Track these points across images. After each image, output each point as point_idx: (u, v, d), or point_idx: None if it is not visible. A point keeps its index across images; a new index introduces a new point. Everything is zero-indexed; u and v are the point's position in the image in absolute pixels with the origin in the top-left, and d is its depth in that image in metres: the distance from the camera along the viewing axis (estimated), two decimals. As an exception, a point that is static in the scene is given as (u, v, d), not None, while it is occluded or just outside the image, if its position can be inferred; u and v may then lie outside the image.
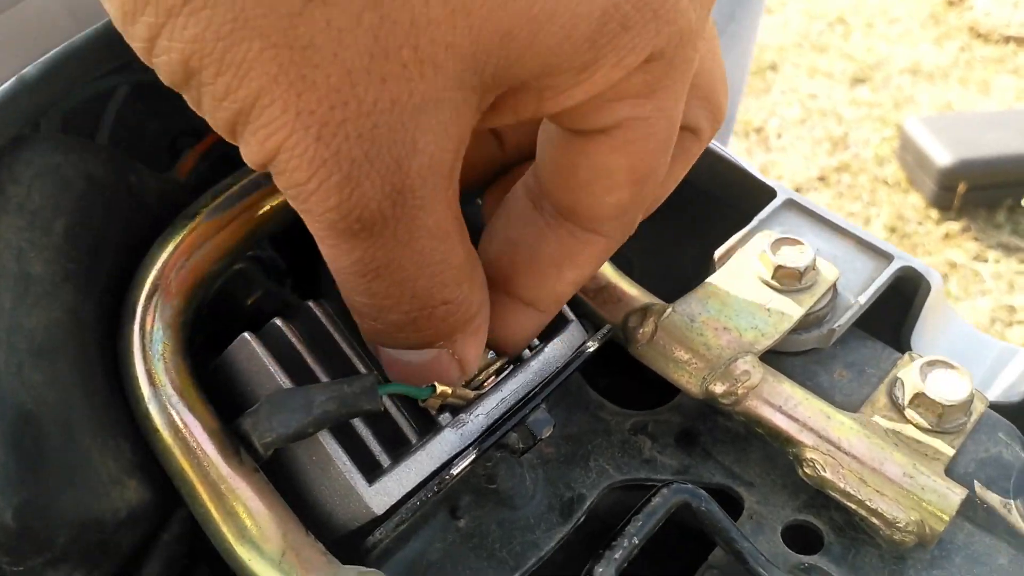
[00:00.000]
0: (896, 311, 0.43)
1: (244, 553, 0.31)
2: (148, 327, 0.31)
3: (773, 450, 0.38)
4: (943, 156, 2.20)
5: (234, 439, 0.32)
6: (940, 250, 2.19)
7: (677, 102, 0.28)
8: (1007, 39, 2.74)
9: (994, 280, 2.10)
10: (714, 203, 0.45)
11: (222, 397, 0.33)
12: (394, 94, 0.23)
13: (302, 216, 0.26)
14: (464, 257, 0.28)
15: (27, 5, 0.32)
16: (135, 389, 0.31)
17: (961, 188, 2.19)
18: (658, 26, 0.25)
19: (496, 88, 0.25)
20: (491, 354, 0.35)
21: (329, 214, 0.25)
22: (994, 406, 0.42)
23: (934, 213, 2.26)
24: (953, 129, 2.28)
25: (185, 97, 0.24)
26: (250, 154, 0.24)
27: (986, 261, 2.15)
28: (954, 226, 2.22)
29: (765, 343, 0.38)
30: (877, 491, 0.35)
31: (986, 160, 2.19)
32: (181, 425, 0.31)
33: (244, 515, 0.31)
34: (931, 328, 0.45)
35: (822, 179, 2.43)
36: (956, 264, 2.15)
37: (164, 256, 0.31)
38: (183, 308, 0.32)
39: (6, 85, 0.30)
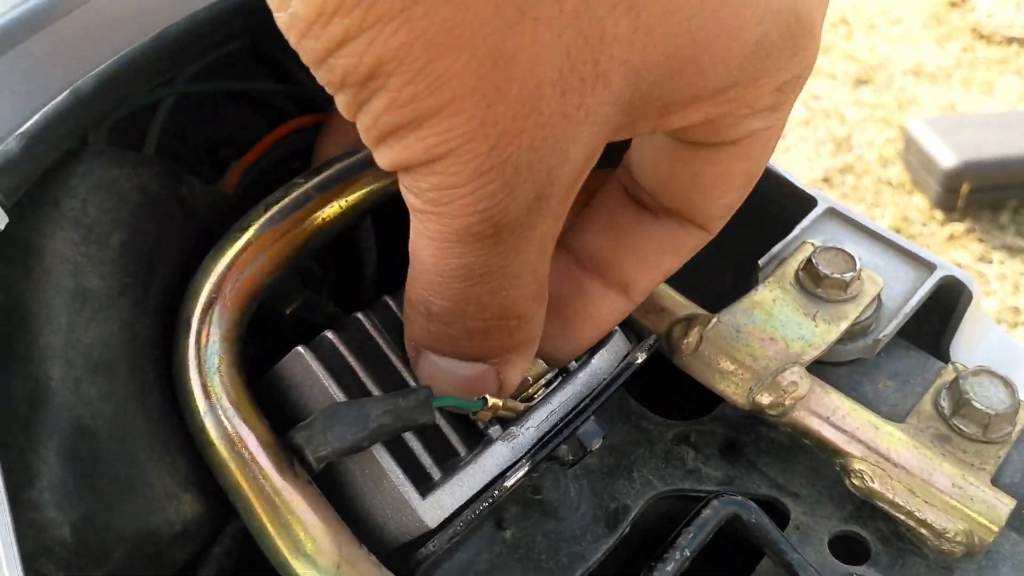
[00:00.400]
0: (936, 320, 0.43)
1: (299, 567, 0.31)
2: (203, 340, 0.31)
3: (817, 460, 0.38)
4: (947, 157, 2.21)
5: (288, 452, 0.32)
6: (945, 252, 2.19)
7: (792, 109, 0.29)
8: (1010, 40, 2.75)
9: (999, 281, 2.10)
10: (754, 212, 0.45)
11: (274, 409, 0.33)
12: (567, 107, 0.24)
13: (422, 216, 0.26)
14: (546, 276, 0.29)
15: (92, 6, 0.32)
16: (191, 403, 0.31)
17: (965, 189, 2.20)
18: (798, 55, 0.26)
19: (641, 105, 0.25)
20: (540, 363, 0.35)
21: (470, 218, 0.25)
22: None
23: (938, 214, 2.27)
24: (957, 130, 2.28)
25: (338, 94, 0.24)
26: (398, 155, 0.24)
27: (991, 262, 2.15)
28: (959, 227, 2.23)
29: (812, 353, 0.38)
30: (926, 502, 0.35)
31: (990, 161, 2.19)
32: (236, 438, 0.31)
33: (299, 528, 0.31)
34: (969, 337, 0.45)
35: (826, 180, 2.44)
36: (961, 265, 2.15)
37: (219, 269, 0.31)
38: (238, 321, 0.32)
39: (61, 98, 0.30)
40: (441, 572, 0.35)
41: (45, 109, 0.29)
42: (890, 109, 2.60)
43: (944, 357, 0.44)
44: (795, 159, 2.45)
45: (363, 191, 0.34)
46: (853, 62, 2.76)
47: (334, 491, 0.33)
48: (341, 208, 0.33)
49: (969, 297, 0.42)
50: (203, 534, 0.32)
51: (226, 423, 0.31)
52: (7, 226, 0.29)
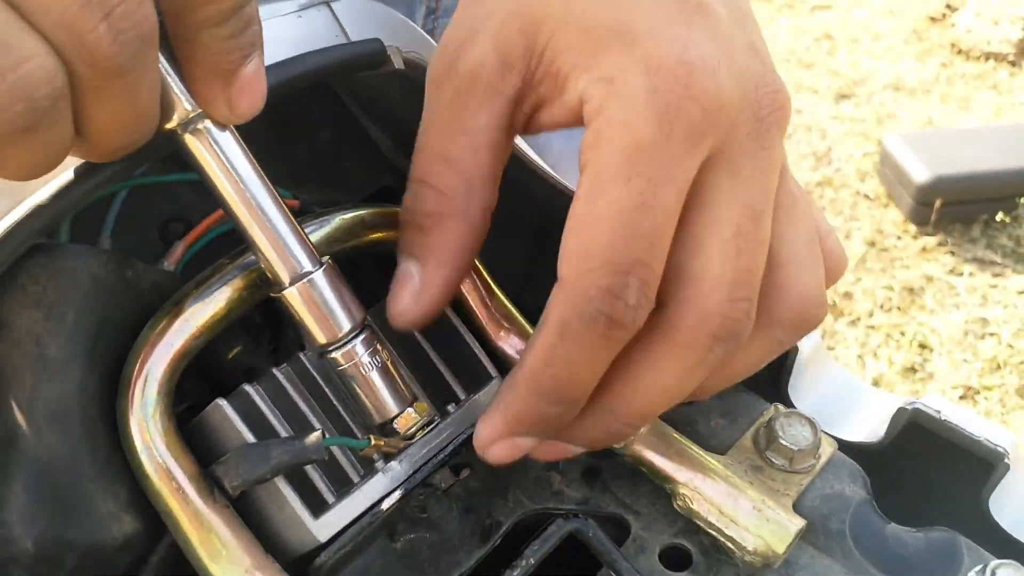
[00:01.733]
0: (774, 366, 0.51)
1: (217, 572, 0.39)
2: (140, 396, 0.39)
3: (657, 485, 0.46)
4: (921, 172, 2.28)
5: (209, 482, 0.40)
6: (917, 264, 2.26)
7: None
8: (987, 56, 2.82)
9: (968, 293, 2.18)
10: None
11: (201, 446, 0.41)
12: None
13: None
14: None
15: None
16: (130, 443, 0.39)
17: (938, 204, 2.27)
18: None
19: None
20: (415, 414, 0.43)
21: None
22: (859, 446, 0.50)
23: (912, 228, 2.34)
24: (931, 146, 2.35)
25: None
26: None
27: (961, 275, 2.23)
28: (931, 240, 2.30)
29: (649, 397, 0.46)
30: (732, 521, 0.43)
31: (962, 177, 2.27)
32: (167, 471, 0.39)
33: (217, 542, 0.39)
34: (810, 379, 0.53)
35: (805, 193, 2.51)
36: (932, 277, 2.23)
37: (152, 338, 0.40)
38: (167, 379, 0.40)
39: (24, 210, 0.38)
40: (342, 575, 0.43)
41: (13, 215, 0.38)
42: (870, 123, 2.68)
43: (784, 398, 0.52)
44: (775, 173, 2.53)
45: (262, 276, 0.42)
46: (836, 77, 2.84)
47: (247, 512, 0.41)
48: (250, 287, 0.41)
49: (795, 349, 0.50)
50: (141, 544, 0.40)
51: (159, 458, 0.39)
52: (-17, 306, 0.37)
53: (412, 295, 0.41)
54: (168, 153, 0.40)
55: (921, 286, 2.21)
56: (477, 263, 0.47)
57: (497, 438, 0.40)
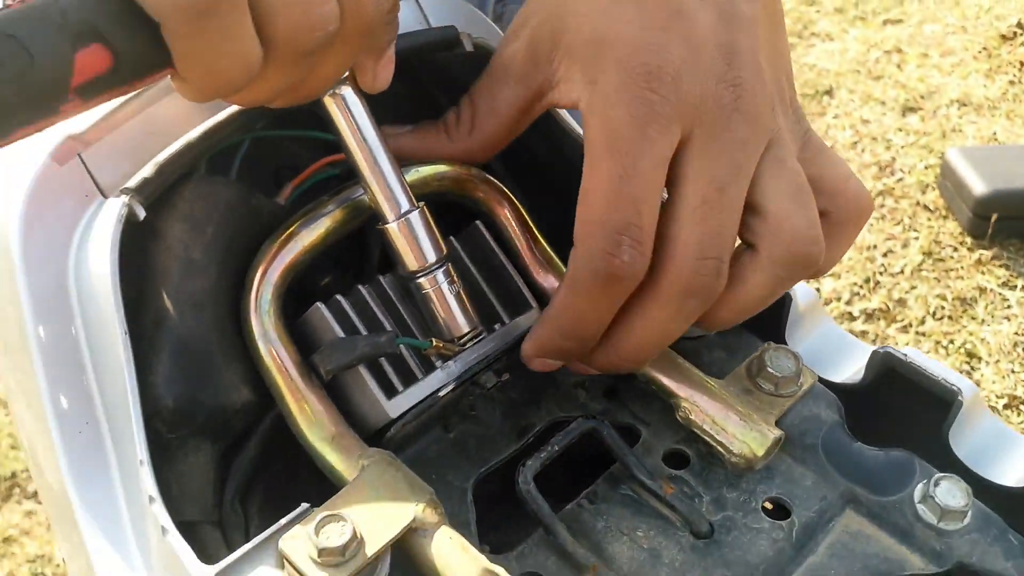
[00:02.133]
0: (773, 314, 0.61)
1: (312, 437, 0.50)
2: (258, 294, 0.51)
3: (664, 403, 0.56)
4: (979, 186, 2.32)
5: (308, 367, 0.51)
6: (971, 275, 2.30)
7: None
8: (1058, 74, 2.82)
9: (1019, 306, 2.21)
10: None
11: (301, 342, 0.52)
12: None
13: None
14: None
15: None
16: (250, 332, 0.50)
17: (994, 218, 2.30)
18: None
19: None
20: (468, 327, 0.53)
21: None
22: (840, 386, 0.59)
23: (968, 240, 2.37)
24: (991, 161, 2.39)
25: None
26: None
27: (1014, 288, 2.26)
28: (986, 254, 2.33)
29: (662, 329, 0.56)
30: (722, 428, 0.52)
31: (1020, 192, 2.30)
32: (276, 355, 0.50)
33: (311, 413, 0.50)
34: (806, 328, 0.63)
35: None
36: (985, 289, 2.26)
37: (270, 251, 0.51)
38: (280, 285, 0.51)
39: (177, 145, 0.50)
40: (403, 456, 0.54)
41: (168, 150, 0.49)
42: (934, 137, 2.71)
43: (782, 343, 0.61)
44: (836, 181, 2.58)
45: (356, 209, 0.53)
46: (903, 90, 2.87)
47: (335, 397, 0.52)
48: (345, 218, 0.53)
49: (790, 299, 0.59)
50: (254, 412, 0.51)
51: (271, 345, 0.50)
52: (144, 219, 0.49)
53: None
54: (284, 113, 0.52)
55: (973, 297, 2.24)
56: (525, 215, 0.57)
57: (533, 357, 0.52)
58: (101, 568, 0.47)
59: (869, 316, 2.25)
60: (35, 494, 1.91)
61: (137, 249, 0.49)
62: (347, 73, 0.48)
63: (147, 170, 0.49)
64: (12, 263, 0.49)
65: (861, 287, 2.31)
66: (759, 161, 0.47)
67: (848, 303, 2.28)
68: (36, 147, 0.49)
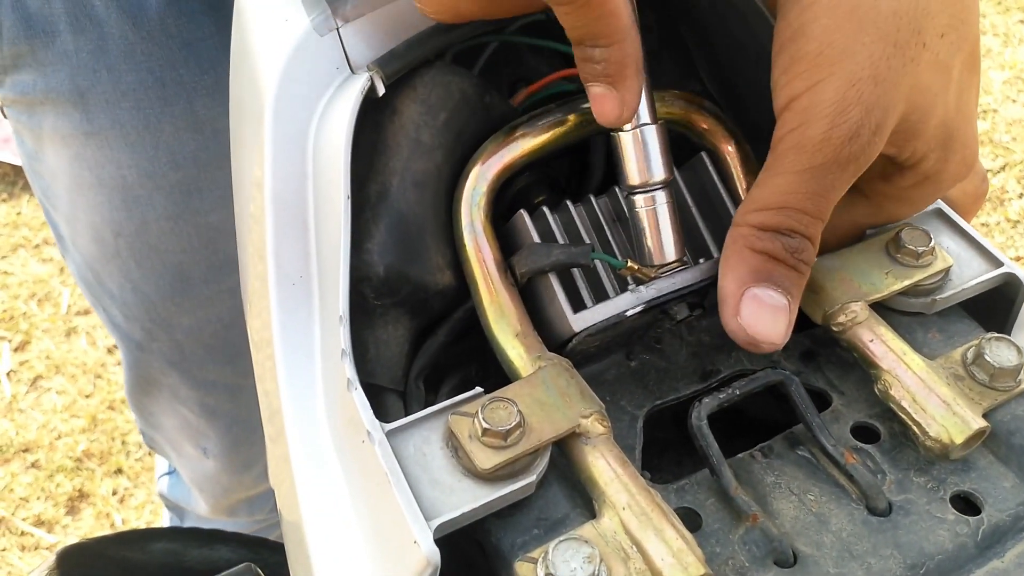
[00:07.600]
0: (1001, 312, 0.56)
1: (498, 331, 0.51)
2: (473, 186, 0.52)
3: (866, 375, 0.53)
4: None
5: (505, 266, 0.52)
6: None
7: None
8: None
9: None
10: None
11: (504, 242, 0.53)
12: None
13: None
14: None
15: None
16: (459, 220, 0.52)
17: None
18: None
19: None
20: (674, 256, 0.52)
21: None
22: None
23: None
24: None
25: None
26: None
27: None
28: None
29: (875, 296, 0.53)
30: (922, 408, 0.49)
31: None
32: (479, 248, 0.52)
33: (503, 308, 0.51)
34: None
35: None
36: None
37: (491, 148, 0.52)
38: (494, 182, 0.52)
39: (429, 28, 0.52)
40: (581, 372, 0.54)
41: (419, 32, 0.52)
42: None
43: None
44: None
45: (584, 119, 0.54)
46: None
47: (529, 298, 0.53)
48: (571, 126, 0.53)
49: (1028, 292, 0.54)
50: (451, 298, 0.53)
51: (476, 237, 0.52)
52: (384, 96, 0.52)
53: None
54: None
55: None
56: (750, 152, 0.56)
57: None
58: (288, 409, 0.50)
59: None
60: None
61: (373, 123, 0.52)
62: None
63: (396, 48, 0.52)
64: (262, 120, 0.53)
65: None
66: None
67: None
68: (299, 16, 0.52)
